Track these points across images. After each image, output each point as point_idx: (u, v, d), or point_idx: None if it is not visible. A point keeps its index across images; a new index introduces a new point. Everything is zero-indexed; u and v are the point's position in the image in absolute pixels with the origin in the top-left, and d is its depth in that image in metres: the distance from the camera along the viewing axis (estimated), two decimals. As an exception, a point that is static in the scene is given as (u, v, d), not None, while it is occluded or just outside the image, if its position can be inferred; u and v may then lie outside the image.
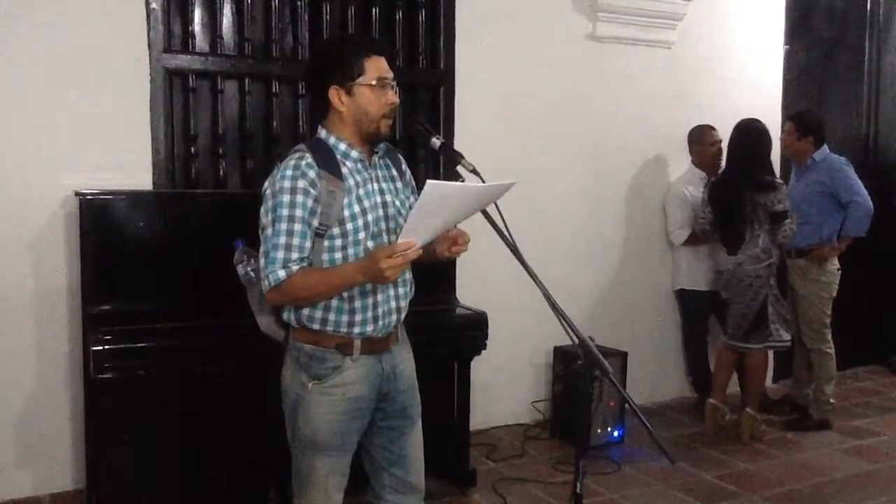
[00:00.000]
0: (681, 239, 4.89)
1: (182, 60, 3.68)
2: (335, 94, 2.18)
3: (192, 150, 3.73)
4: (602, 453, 4.17)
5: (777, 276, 4.38)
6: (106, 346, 2.92)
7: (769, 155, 4.43)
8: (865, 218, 4.58)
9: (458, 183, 2.01)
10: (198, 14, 3.75)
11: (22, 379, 3.54)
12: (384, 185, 2.26)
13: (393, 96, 2.21)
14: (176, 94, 3.72)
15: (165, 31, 3.65)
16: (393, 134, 2.71)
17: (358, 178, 2.20)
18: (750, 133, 4.39)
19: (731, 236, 4.39)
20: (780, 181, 4.38)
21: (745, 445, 4.36)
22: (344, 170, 2.17)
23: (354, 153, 2.21)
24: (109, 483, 3.13)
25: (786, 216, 4.29)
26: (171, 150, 3.72)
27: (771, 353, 4.73)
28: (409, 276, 2.32)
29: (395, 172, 2.33)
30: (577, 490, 1.95)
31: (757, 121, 4.45)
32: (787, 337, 4.43)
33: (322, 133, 2.24)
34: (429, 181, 1.87)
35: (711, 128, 4.87)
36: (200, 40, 3.77)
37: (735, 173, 4.40)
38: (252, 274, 2.34)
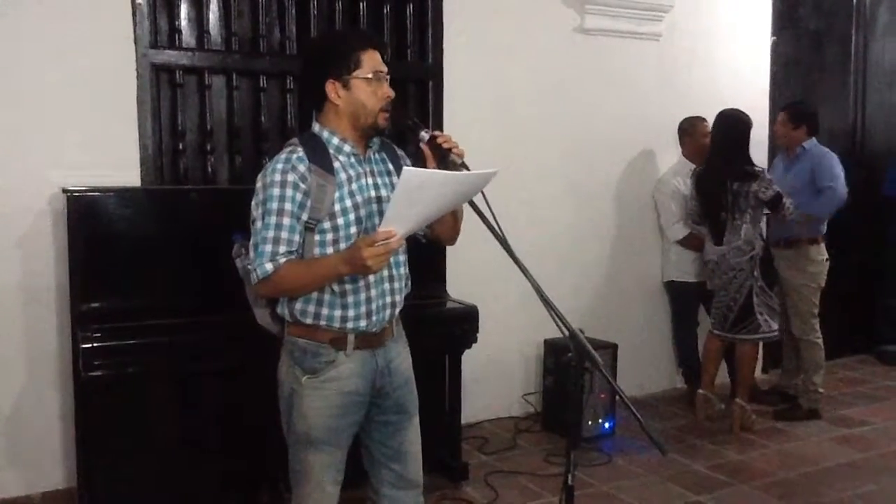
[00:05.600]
0: (677, 235, 4.88)
1: (169, 56, 3.65)
2: (332, 88, 2.18)
3: (180, 146, 3.71)
4: (593, 445, 4.19)
5: (761, 267, 4.38)
6: (95, 344, 2.91)
7: (748, 145, 4.45)
8: (833, 205, 4.61)
9: (436, 170, 2.01)
10: (184, 9, 3.73)
11: (11, 378, 3.52)
12: (378, 180, 2.26)
13: (389, 90, 2.22)
14: (163, 89, 3.71)
15: (151, 26, 3.62)
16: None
17: (351, 172, 2.19)
18: (732, 123, 4.42)
19: (717, 226, 4.42)
20: (760, 168, 4.39)
21: (735, 436, 4.38)
22: (336, 164, 2.18)
23: (347, 147, 2.21)
24: (101, 481, 3.12)
25: (780, 199, 4.31)
26: (159, 146, 3.70)
27: (760, 344, 4.75)
28: (404, 270, 2.31)
29: (391, 167, 2.33)
30: (569, 482, 1.96)
31: (738, 111, 4.48)
32: (775, 327, 4.45)
33: (316, 127, 2.24)
34: (406, 167, 1.87)
35: (702, 119, 4.87)
36: (187, 35, 3.75)
37: (718, 163, 4.41)
38: (250, 267, 2.33)
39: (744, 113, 4.46)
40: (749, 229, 4.32)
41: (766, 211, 4.46)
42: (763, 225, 4.60)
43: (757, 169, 4.36)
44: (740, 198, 4.30)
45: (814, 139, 4.73)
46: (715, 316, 4.50)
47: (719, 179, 4.36)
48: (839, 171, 4.64)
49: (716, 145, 4.47)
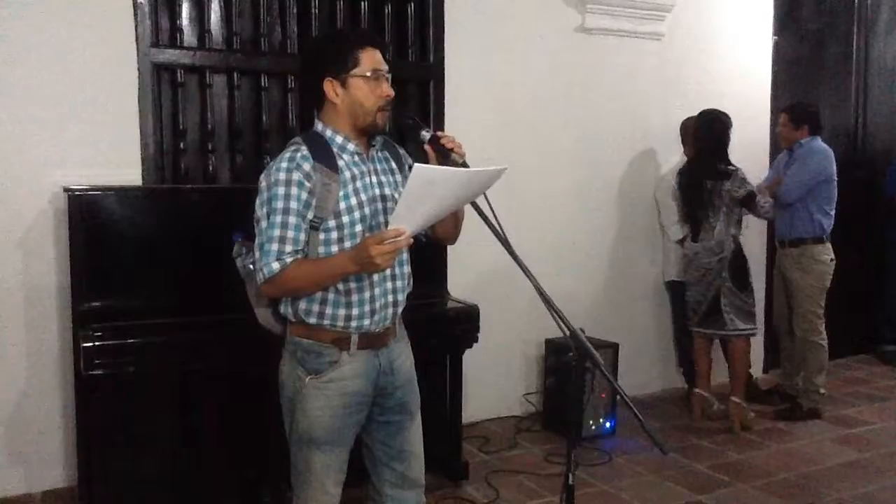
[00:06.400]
0: (678, 235, 4.88)
1: (170, 55, 3.66)
2: (330, 86, 2.18)
3: (181, 145, 3.71)
4: (594, 445, 4.19)
5: (731, 268, 4.39)
6: (96, 343, 2.90)
7: (726, 144, 4.48)
8: (790, 195, 4.59)
9: (445, 167, 2.01)
10: (185, 8, 3.73)
11: (12, 376, 3.52)
12: (382, 178, 2.26)
13: (388, 89, 2.20)
14: (164, 88, 3.71)
15: (153, 25, 3.63)
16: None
17: (355, 170, 2.19)
18: (710, 122, 4.50)
19: (695, 224, 4.53)
20: (734, 167, 4.42)
21: (736, 435, 4.38)
22: (340, 162, 2.17)
23: (351, 146, 2.21)
24: (101, 479, 3.12)
25: (754, 196, 4.38)
26: (160, 145, 3.70)
27: (761, 341, 4.75)
28: (406, 269, 2.31)
29: (394, 165, 2.33)
30: (569, 481, 1.96)
31: (717, 111, 4.54)
32: (743, 326, 4.45)
33: (319, 126, 2.23)
34: (416, 164, 1.87)
35: (705, 119, 4.88)
36: (188, 35, 3.76)
37: (697, 161, 4.52)
38: (250, 267, 2.32)
39: (723, 113, 4.52)
40: (722, 229, 4.39)
41: (744, 211, 4.48)
42: (740, 226, 4.54)
43: (731, 168, 4.41)
44: (714, 196, 4.38)
45: (817, 138, 4.73)
46: (689, 310, 4.59)
47: (696, 178, 4.46)
48: (812, 173, 4.62)
49: (696, 144, 4.57)
